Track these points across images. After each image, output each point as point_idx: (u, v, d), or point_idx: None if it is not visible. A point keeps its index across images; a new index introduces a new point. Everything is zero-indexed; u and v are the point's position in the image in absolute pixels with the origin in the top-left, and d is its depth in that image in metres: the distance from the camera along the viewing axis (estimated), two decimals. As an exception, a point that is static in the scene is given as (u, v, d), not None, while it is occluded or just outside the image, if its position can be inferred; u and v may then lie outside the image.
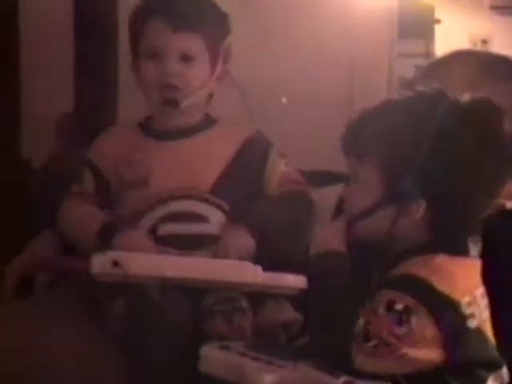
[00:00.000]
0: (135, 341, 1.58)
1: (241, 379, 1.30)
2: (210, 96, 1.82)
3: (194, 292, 1.63)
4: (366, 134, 1.34)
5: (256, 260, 1.66)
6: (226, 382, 1.33)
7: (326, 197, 1.84)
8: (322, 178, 2.04)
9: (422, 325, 1.24)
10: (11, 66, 2.88)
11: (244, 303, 1.62)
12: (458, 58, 1.74)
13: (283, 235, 1.74)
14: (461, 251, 1.32)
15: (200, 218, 1.74)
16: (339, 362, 1.29)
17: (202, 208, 1.74)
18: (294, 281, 1.59)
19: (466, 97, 1.33)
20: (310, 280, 1.43)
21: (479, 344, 1.29)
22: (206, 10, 1.76)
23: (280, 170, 1.79)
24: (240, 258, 1.67)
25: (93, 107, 2.83)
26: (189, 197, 1.74)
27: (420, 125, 1.29)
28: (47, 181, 2.83)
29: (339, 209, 1.73)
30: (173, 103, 1.74)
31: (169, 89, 1.74)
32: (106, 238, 1.69)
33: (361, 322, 1.28)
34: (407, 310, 1.25)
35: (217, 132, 1.80)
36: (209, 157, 1.76)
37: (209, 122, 1.81)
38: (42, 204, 2.67)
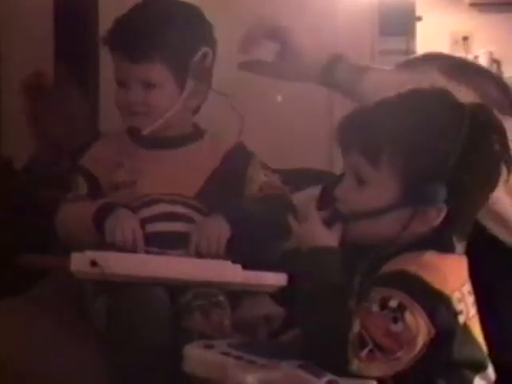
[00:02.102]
0: (117, 337, 1.60)
1: (223, 379, 1.30)
2: (198, 106, 1.87)
3: (172, 288, 1.65)
4: (380, 134, 1.32)
5: (234, 256, 1.68)
6: (208, 381, 1.34)
7: (305, 199, 1.85)
8: (302, 176, 2.04)
9: (416, 321, 1.23)
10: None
11: (221, 297, 1.64)
12: (424, 59, 1.77)
13: (261, 232, 1.77)
14: (448, 248, 1.32)
15: (186, 219, 1.77)
16: (326, 361, 1.29)
17: (186, 211, 1.78)
18: (274, 279, 1.61)
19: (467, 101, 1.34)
20: (299, 276, 1.43)
21: (464, 341, 1.29)
22: (165, 34, 1.78)
23: (260, 179, 1.85)
24: (209, 250, 1.69)
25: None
26: (174, 201, 1.78)
27: (446, 131, 1.29)
28: (30, 181, 2.82)
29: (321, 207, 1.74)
30: (134, 132, 1.81)
31: (133, 116, 1.81)
32: (99, 221, 1.72)
33: (356, 327, 1.26)
34: (401, 307, 1.24)
35: (203, 143, 1.86)
36: (194, 167, 1.81)
37: (197, 133, 1.87)
38: (26, 204, 2.66)
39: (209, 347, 1.38)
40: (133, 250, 1.70)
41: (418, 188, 1.29)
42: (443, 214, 1.29)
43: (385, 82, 1.61)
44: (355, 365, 1.26)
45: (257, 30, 1.70)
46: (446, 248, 1.32)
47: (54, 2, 2.79)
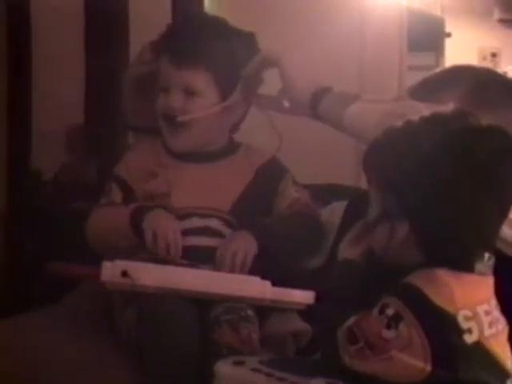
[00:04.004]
0: (145, 348, 1.61)
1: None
2: (237, 123, 1.89)
3: (201, 302, 1.65)
4: (378, 153, 1.37)
5: (261, 271, 1.68)
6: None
7: (333, 214, 1.86)
8: (331, 192, 2.05)
9: (410, 332, 1.25)
10: (23, 78, 2.90)
11: (250, 312, 1.65)
12: (454, 76, 1.76)
13: (288, 250, 1.78)
14: (463, 267, 1.32)
15: (217, 234, 1.79)
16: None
17: (221, 227, 1.79)
18: (302, 296, 1.62)
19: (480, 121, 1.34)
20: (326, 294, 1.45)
21: (476, 362, 1.29)
22: (214, 45, 1.80)
23: (290, 195, 1.85)
24: (235, 265, 1.70)
25: (103, 119, 2.85)
26: (208, 215, 1.79)
27: (463, 153, 1.30)
28: (58, 192, 2.85)
29: (345, 222, 1.74)
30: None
31: (171, 123, 1.81)
32: (137, 221, 1.72)
33: (349, 322, 1.30)
34: (397, 316, 1.26)
35: (238, 157, 1.87)
36: (229, 180, 1.82)
37: (232, 147, 1.88)
38: (52, 214, 2.69)
39: (239, 363, 1.38)
40: (170, 253, 1.71)
41: (388, 203, 1.33)
42: (404, 229, 1.31)
43: (365, 113, 1.63)
44: (347, 359, 1.30)
45: (256, 64, 1.76)
46: (461, 267, 1.32)
47: (85, 2, 2.82)
